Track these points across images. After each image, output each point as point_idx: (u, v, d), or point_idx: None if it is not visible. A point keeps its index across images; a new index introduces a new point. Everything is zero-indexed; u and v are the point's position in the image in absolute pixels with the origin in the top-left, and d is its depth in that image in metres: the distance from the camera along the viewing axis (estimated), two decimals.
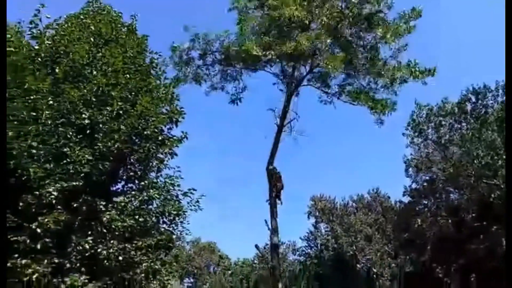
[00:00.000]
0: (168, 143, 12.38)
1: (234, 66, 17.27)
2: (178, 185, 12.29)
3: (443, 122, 26.01)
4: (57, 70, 11.31)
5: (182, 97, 13.36)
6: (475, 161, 23.79)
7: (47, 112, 10.47)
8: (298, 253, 49.39)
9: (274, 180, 16.51)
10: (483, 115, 25.08)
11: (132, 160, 11.96)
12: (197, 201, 12.28)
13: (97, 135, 11.01)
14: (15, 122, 10.16)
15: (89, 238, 10.36)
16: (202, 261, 56.90)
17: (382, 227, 40.23)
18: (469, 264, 25.98)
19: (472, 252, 25.04)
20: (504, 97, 22.88)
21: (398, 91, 16.55)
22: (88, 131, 11.02)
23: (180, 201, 12.25)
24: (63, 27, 12.15)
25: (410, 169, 29.21)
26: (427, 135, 26.63)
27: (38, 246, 9.66)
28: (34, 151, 10.04)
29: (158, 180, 12.34)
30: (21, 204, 9.86)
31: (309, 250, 46.47)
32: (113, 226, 10.60)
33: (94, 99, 11.14)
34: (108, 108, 11.20)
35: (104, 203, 10.71)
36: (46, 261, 9.81)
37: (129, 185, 12.20)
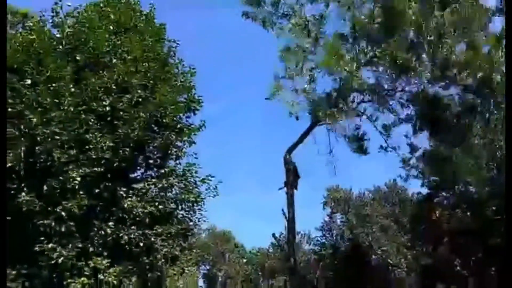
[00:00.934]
0: (187, 132, 12.47)
1: None
2: (196, 172, 12.40)
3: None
4: (78, 58, 11.44)
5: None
6: (497, 153, 23.11)
7: (69, 99, 10.64)
8: (312, 242, 49.41)
9: (291, 169, 16.50)
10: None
11: (151, 147, 12.09)
12: (215, 187, 12.38)
13: (117, 122, 11.13)
14: (39, 109, 10.37)
15: (110, 223, 10.58)
16: (218, 249, 57.53)
17: (399, 218, 39.75)
18: (489, 257, 25.49)
19: (492, 245, 24.53)
20: None
21: None
22: (108, 118, 11.16)
23: (198, 187, 12.37)
24: (83, 15, 12.24)
25: None
26: None
27: (63, 229, 9.92)
28: (57, 137, 10.25)
29: (177, 168, 12.45)
30: (45, 188, 10.13)
31: (324, 240, 46.41)
32: (133, 212, 10.78)
33: (114, 87, 11.23)
34: (127, 95, 11.29)
35: (124, 189, 10.89)
36: (70, 245, 10.10)
37: (148, 172, 12.35)
